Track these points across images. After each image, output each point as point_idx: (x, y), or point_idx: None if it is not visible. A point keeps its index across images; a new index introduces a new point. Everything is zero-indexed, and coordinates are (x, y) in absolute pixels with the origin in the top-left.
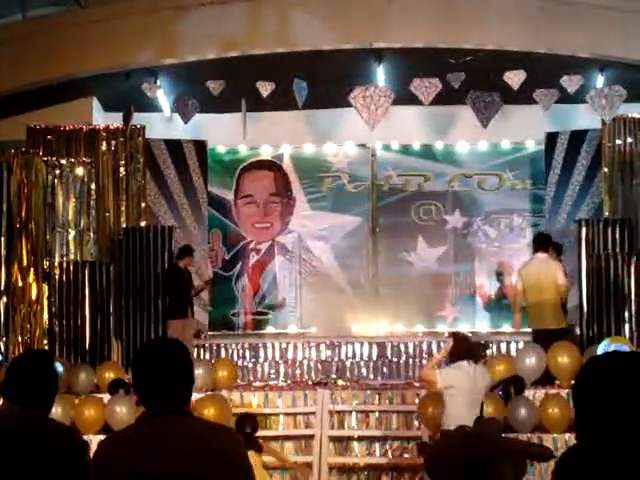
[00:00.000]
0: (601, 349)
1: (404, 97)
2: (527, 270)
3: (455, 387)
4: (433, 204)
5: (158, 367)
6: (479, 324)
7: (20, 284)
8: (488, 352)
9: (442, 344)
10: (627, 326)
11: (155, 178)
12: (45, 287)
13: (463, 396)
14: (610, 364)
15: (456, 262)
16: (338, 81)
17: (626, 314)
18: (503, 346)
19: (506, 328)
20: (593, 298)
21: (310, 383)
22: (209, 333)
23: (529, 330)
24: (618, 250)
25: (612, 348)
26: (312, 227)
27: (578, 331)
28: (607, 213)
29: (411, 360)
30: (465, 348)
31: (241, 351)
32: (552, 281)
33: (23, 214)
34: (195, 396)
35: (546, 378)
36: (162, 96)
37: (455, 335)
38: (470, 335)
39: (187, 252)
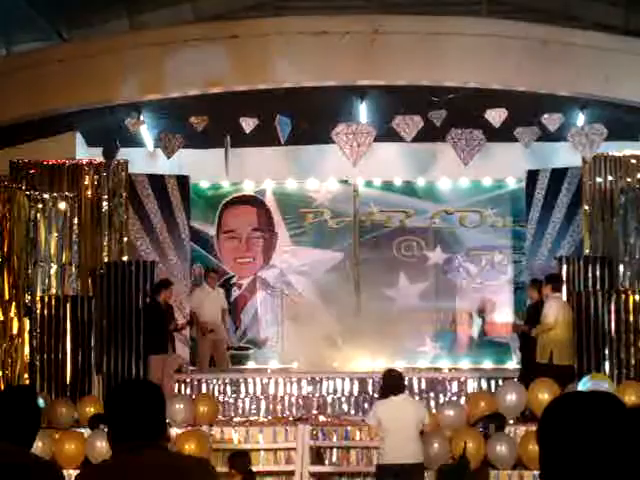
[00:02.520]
0: (581, 386)
1: (386, 134)
2: (562, 307)
3: (383, 421)
4: (415, 240)
5: (131, 406)
6: (460, 360)
7: (1, 318)
8: None
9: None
10: (607, 363)
11: (138, 213)
12: (26, 321)
13: (389, 430)
14: (573, 404)
15: (437, 298)
16: (321, 118)
17: (606, 351)
18: (484, 382)
19: (487, 365)
20: (573, 335)
21: (291, 419)
22: (190, 368)
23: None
24: (598, 287)
25: (591, 385)
26: (294, 262)
27: None
28: (587, 250)
29: None
30: (391, 383)
31: (222, 386)
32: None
33: (5, 248)
34: (176, 431)
35: (527, 415)
36: (145, 131)
37: (384, 372)
38: (395, 369)
39: (163, 286)
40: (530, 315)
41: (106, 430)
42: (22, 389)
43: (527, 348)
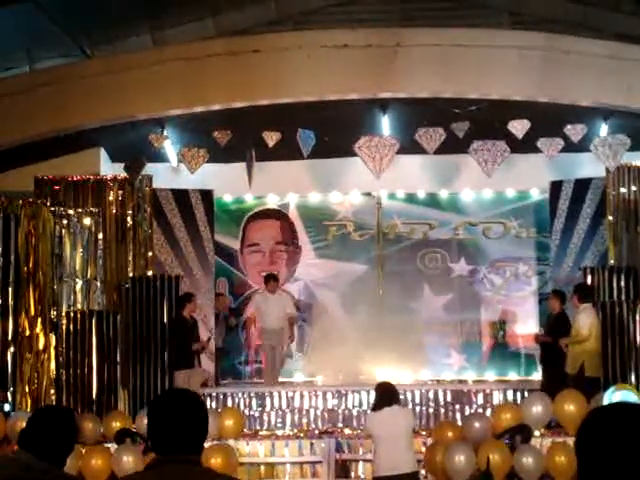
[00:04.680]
0: (607, 397)
1: (409, 146)
2: (595, 318)
3: (374, 433)
4: (438, 252)
5: (174, 416)
6: (485, 372)
7: (27, 334)
8: None
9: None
10: (633, 374)
11: (162, 227)
12: (52, 337)
13: (383, 441)
14: (613, 416)
15: (462, 310)
16: (343, 131)
17: (632, 362)
18: (510, 394)
19: (512, 376)
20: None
21: (317, 432)
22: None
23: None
24: (624, 298)
25: (618, 395)
26: (318, 275)
27: None
28: (612, 261)
29: (418, 408)
30: (384, 395)
31: (247, 400)
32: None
33: (30, 264)
34: None
35: (553, 426)
36: (169, 146)
37: (376, 385)
38: (388, 381)
39: (187, 300)
40: (552, 326)
41: (133, 444)
42: (62, 410)
43: (549, 359)
